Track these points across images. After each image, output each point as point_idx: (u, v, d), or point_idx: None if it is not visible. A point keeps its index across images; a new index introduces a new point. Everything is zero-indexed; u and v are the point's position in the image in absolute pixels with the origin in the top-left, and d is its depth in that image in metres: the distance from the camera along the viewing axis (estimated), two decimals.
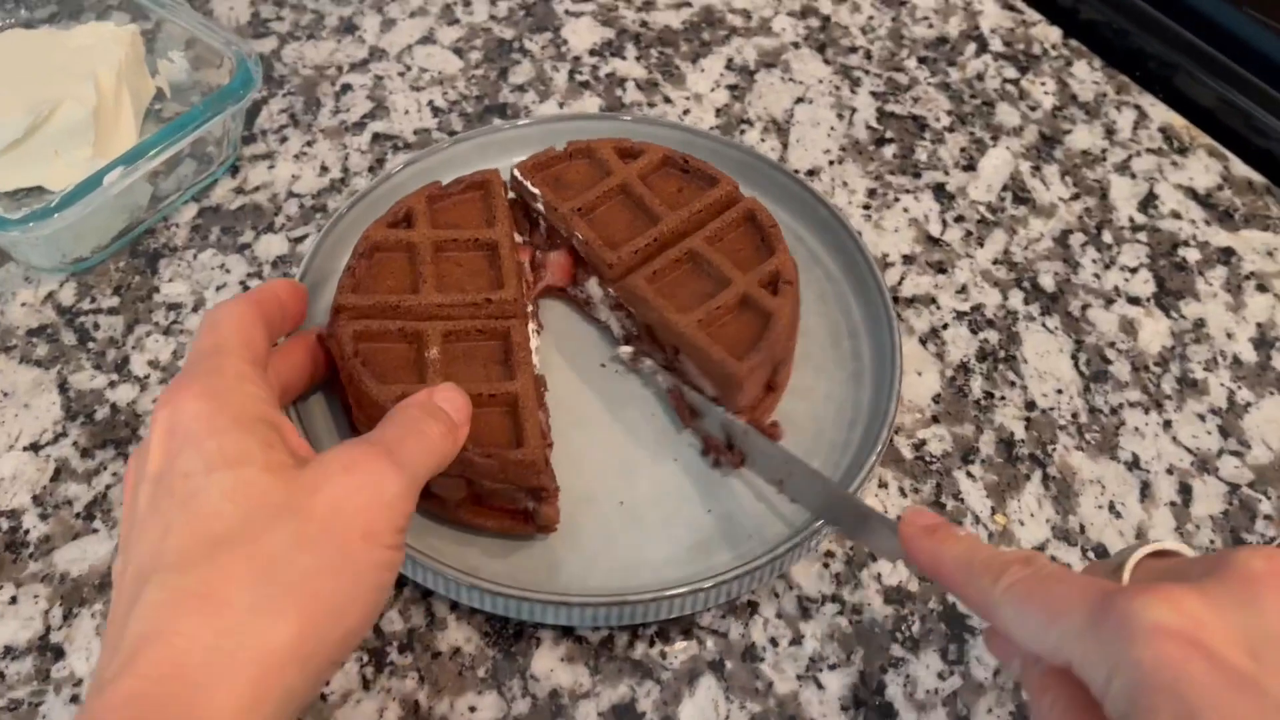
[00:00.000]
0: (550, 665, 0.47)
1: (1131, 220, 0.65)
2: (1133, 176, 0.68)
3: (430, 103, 0.69)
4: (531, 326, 0.52)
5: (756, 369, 0.49)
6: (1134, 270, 0.63)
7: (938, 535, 0.38)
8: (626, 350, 0.55)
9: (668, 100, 0.70)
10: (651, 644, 0.48)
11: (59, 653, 0.46)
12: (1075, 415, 0.56)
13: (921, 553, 0.39)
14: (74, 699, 0.45)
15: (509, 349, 0.49)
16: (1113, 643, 0.30)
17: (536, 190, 0.55)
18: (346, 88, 0.70)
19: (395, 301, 0.50)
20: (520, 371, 0.48)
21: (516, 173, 0.56)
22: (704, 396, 0.51)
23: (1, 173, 0.59)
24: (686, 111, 0.69)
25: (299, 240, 0.61)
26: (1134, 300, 0.61)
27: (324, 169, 0.65)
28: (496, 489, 0.46)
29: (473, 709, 0.45)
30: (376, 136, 0.67)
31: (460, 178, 0.56)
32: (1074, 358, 0.58)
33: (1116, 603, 0.31)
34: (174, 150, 0.56)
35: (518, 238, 0.55)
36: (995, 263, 0.63)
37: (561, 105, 0.69)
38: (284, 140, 0.66)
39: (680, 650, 0.47)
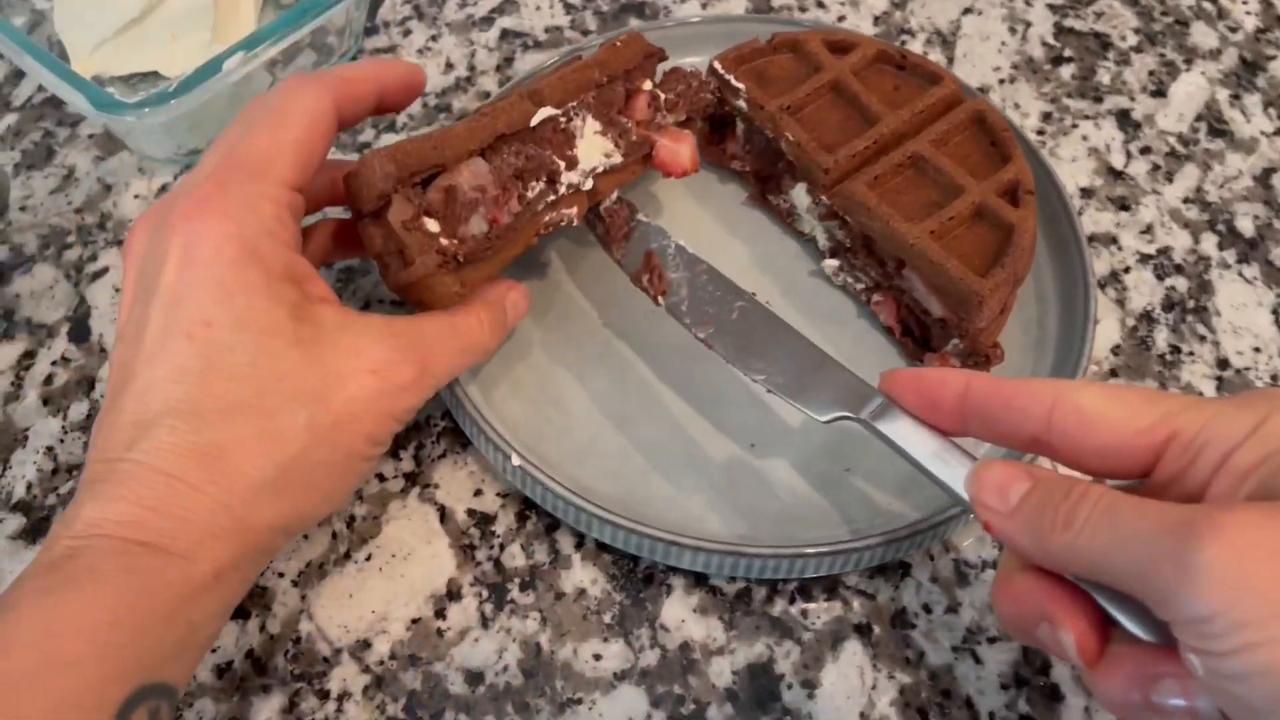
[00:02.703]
0: (681, 615, 0.43)
1: None
2: None
3: None
4: (594, 130, 0.45)
5: (999, 288, 0.44)
6: None
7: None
8: (832, 264, 0.50)
9: (821, 4, 0.64)
10: (792, 601, 0.44)
11: None
12: (1276, 378, 0.50)
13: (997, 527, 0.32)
14: None
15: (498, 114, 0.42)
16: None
17: (740, 85, 0.50)
18: None
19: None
20: (467, 130, 0.41)
21: (717, 65, 0.51)
22: (931, 319, 0.46)
23: (116, 55, 0.56)
24: (842, 18, 0.63)
25: None
26: None
27: (449, 65, 0.60)
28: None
29: (597, 656, 0.42)
30: (505, 33, 0.62)
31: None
32: (1275, 312, 0.52)
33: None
34: (295, 37, 0.52)
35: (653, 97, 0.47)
36: (1186, 201, 0.56)
37: (704, 5, 0.63)
38: (408, 33, 0.62)
39: (823, 610, 0.43)
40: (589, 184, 0.45)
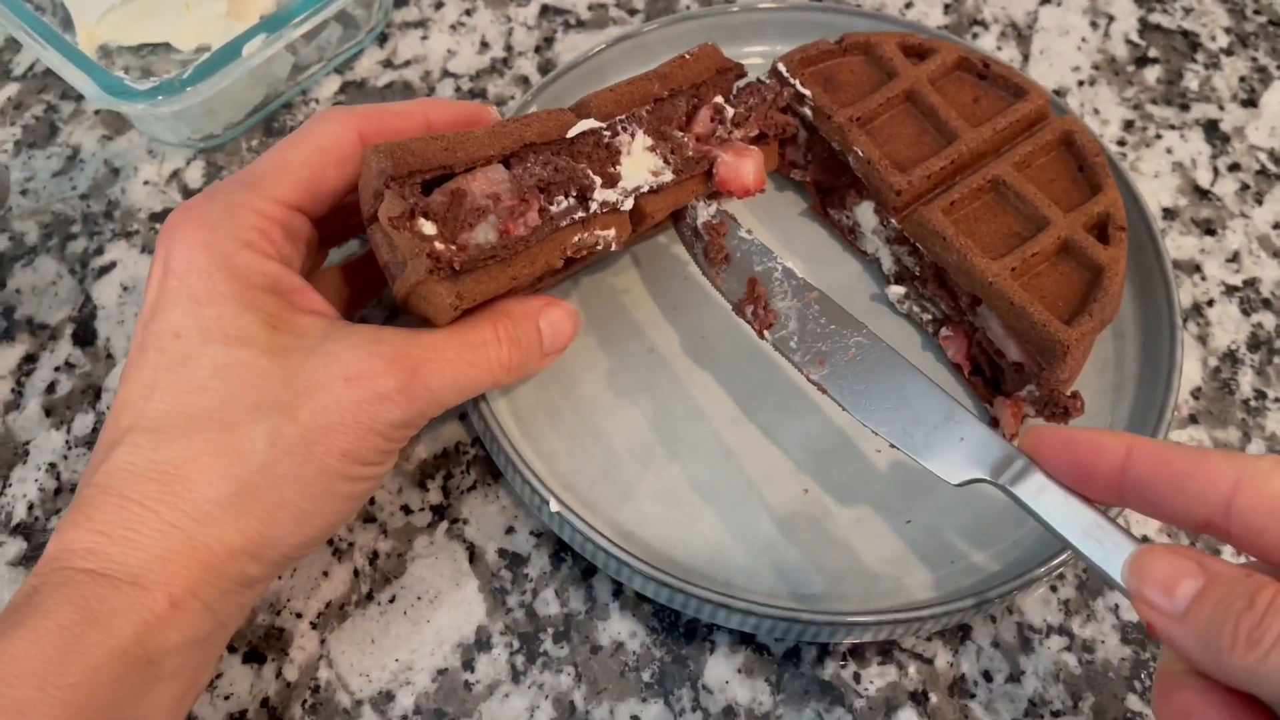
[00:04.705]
0: (726, 676, 0.40)
1: None
2: None
3: None
4: (644, 146, 0.41)
5: (1085, 337, 0.40)
6: None
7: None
8: (897, 291, 0.46)
9: None
10: (844, 662, 0.41)
11: None
12: None
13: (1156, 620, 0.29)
14: None
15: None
16: None
17: (807, 91, 0.46)
18: None
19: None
20: (489, 134, 0.37)
21: (781, 67, 0.47)
22: (1006, 362, 0.43)
23: (125, 24, 0.52)
24: (909, 4, 0.58)
25: None
26: None
27: (484, 45, 0.56)
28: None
29: (635, 718, 0.39)
30: (545, 10, 0.57)
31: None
32: None
33: None
34: (321, 17, 0.48)
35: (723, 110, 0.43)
36: (1276, 227, 0.52)
37: None
38: (440, 6, 0.57)
39: (877, 674, 0.41)
40: (629, 204, 0.40)
